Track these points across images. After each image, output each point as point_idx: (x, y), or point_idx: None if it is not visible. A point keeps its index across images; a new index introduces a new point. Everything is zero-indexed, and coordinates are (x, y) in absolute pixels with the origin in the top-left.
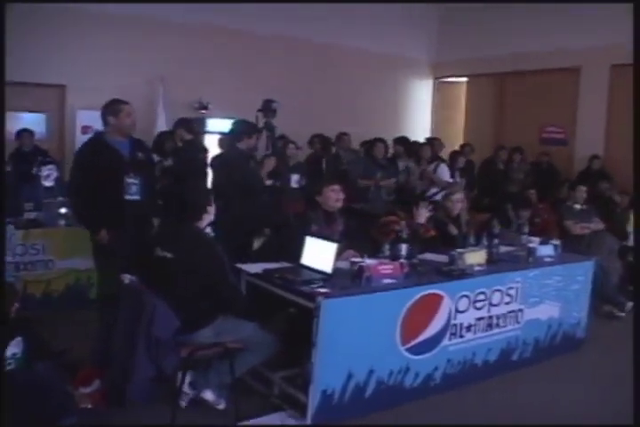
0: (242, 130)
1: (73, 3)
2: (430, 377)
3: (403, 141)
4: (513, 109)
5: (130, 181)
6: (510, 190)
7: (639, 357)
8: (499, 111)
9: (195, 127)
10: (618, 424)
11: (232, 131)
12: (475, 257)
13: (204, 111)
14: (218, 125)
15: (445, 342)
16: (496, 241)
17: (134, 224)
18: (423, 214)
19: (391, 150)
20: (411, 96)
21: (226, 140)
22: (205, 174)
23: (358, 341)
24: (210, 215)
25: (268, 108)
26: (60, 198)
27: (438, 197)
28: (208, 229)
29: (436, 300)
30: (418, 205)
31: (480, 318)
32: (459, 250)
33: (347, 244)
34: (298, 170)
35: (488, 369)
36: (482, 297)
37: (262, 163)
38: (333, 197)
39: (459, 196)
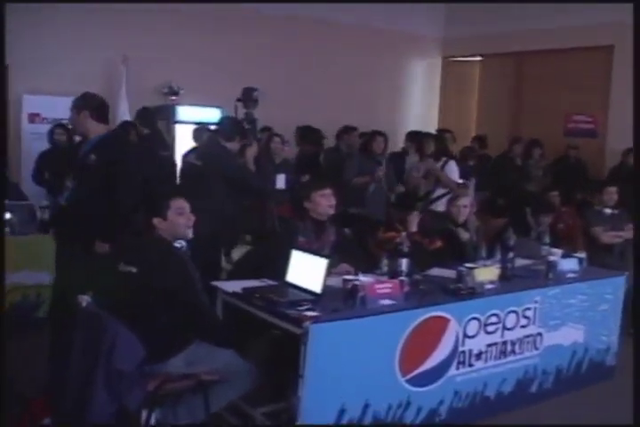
0: (235, 130)
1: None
2: (435, 412)
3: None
4: (533, 95)
5: (67, 184)
6: (528, 190)
7: (639, 357)
8: (516, 97)
9: (152, 119)
10: (618, 424)
11: (222, 127)
12: (486, 273)
13: (174, 97)
14: (190, 114)
15: (452, 371)
16: (511, 254)
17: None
18: (412, 222)
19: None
20: (415, 79)
21: (211, 136)
22: (168, 176)
23: (352, 371)
24: (165, 229)
25: (248, 97)
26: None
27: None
28: (181, 244)
29: (442, 323)
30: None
31: (492, 344)
32: (467, 265)
33: (340, 256)
34: (285, 168)
35: (502, 402)
36: (494, 320)
37: (243, 151)
38: (324, 203)
39: (465, 200)
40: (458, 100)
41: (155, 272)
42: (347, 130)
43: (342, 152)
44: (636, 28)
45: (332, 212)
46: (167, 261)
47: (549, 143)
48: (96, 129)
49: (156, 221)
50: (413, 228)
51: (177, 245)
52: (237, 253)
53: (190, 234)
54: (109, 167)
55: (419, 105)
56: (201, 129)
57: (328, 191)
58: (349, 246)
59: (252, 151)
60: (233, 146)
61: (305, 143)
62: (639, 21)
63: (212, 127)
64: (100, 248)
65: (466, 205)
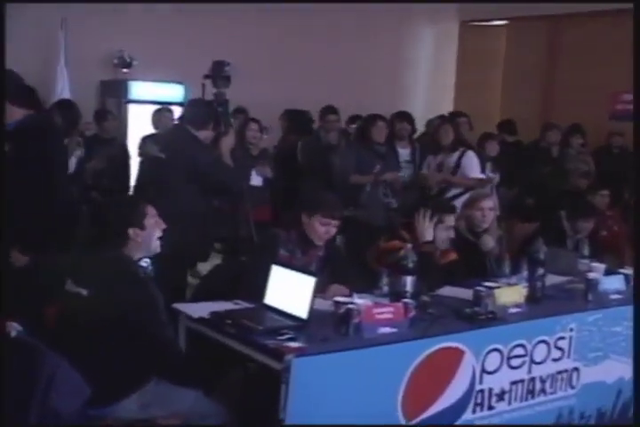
0: (208, 115)
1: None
2: None
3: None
4: (570, 69)
5: None
6: (565, 188)
7: (639, 356)
8: (550, 72)
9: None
10: (618, 424)
11: (191, 112)
12: (510, 294)
13: (126, 71)
14: (146, 91)
15: (468, 415)
16: (541, 270)
17: None
18: (427, 228)
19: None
20: (424, 50)
21: (178, 123)
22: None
23: (344, 415)
24: (142, 242)
25: (218, 73)
26: None
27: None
28: (147, 262)
29: (455, 356)
30: (419, 215)
31: (517, 382)
32: (487, 284)
33: (329, 273)
34: (262, 161)
35: None
36: (520, 352)
37: (217, 142)
38: (321, 232)
39: (489, 202)
40: (478, 76)
41: (110, 296)
42: (324, 113)
43: (321, 141)
44: (636, 28)
45: (321, 242)
46: (127, 283)
47: (590, 129)
48: (14, 115)
49: (132, 232)
50: (429, 236)
51: (142, 263)
52: (205, 265)
53: (159, 247)
54: (27, 162)
55: (428, 82)
56: (162, 111)
57: (334, 223)
58: (341, 261)
59: (228, 142)
60: (205, 135)
61: (293, 131)
62: (639, 21)
63: (176, 111)
64: (18, 260)
65: (491, 208)
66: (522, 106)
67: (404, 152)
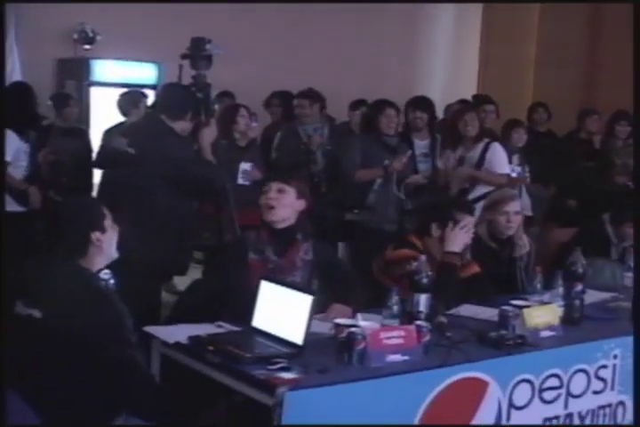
0: (185, 103)
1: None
2: None
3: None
4: (615, 46)
5: None
6: (609, 187)
7: (639, 356)
8: (591, 48)
9: None
10: (618, 424)
11: (166, 99)
12: (542, 314)
13: (88, 47)
14: (112, 72)
15: None
16: (580, 286)
17: None
18: (457, 237)
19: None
20: (441, 24)
21: (151, 112)
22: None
23: None
24: (104, 247)
25: (198, 51)
26: None
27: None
28: (108, 275)
29: (477, 388)
30: (448, 219)
31: (551, 418)
32: (515, 302)
33: (320, 281)
34: (250, 154)
35: None
36: (554, 383)
37: (196, 134)
38: (262, 202)
39: (516, 205)
40: (506, 54)
41: (67, 318)
42: (300, 98)
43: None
44: (636, 28)
45: (270, 217)
46: (87, 300)
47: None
48: None
49: (94, 236)
50: (456, 246)
51: (104, 276)
52: (184, 280)
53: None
54: None
55: (445, 62)
56: (133, 95)
57: (272, 185)
58: (335, 271)
59: (209, 134)
60: (182, 127)
61: (286, 119)
62: (639, 21)
63: (149, 95)
64: None
65: (518, 212)
66: (558, 89)
67: (420, 144)
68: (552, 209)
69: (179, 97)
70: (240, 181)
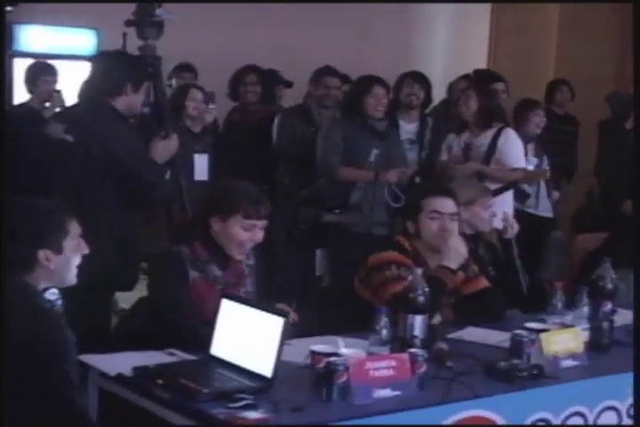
0: (119, 74)
1: None
2: None
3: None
4: None
5: None
6: None
7: (639, 356)
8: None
9: None
10: (618, 425)
11: (99, 73)
12: (563, 340)
13: (10, 9)
14: (42, 40)
15: None
16: (609, 305)
17: None
18: (453, 248)
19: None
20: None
21: (85, 87)
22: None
23: None
24: (55, 270)
25: (146, 18)
26: None
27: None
28: (55, 295)
29: None
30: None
31: None
32: (531, 325)
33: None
34: (205, 142)
35: None
36: (578, 423)
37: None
38: (245, 237)
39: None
40: (523, 19)
41: (5, 337)
42: (321, 74)
43: (315, 120)
44: (635, 28)
45: (241, 256)
46: (29, 320)
47: None
48: None
49: (42, 255)
50: (451, 260)
51: (50, 296)
52: (129, 296)
53: (75, 278)
54: None
55: (447, 30)
56: (34, 69)
57: (260, 224)
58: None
59: (164, 149)
60: (126, 102)
61: (265, 100)
62: (639, 21)
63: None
64: None
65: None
66: (586, 61)
67: (407, 127)
68: (587, 212)
69: (110, 68)
70: (197, 176)
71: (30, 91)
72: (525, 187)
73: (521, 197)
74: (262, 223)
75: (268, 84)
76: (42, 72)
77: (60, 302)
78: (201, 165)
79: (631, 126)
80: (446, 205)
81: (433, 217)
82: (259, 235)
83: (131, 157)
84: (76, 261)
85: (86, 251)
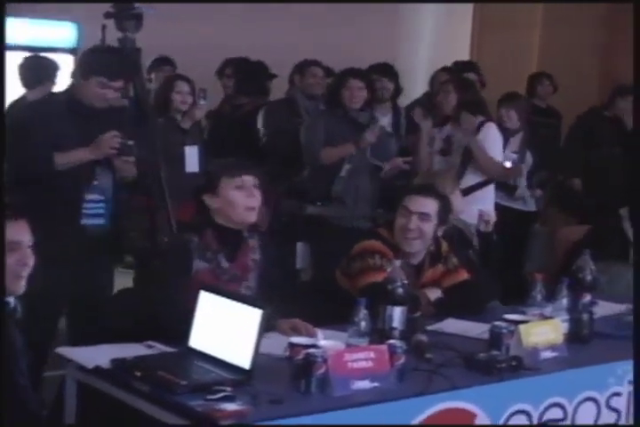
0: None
1: None
2: None
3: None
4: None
5: None
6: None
7: (639, 356)
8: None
9: None
10: (618, 425)
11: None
12: (543, 331)
13: None
14: (21, 33)
15: None
16: (588, 298)
17: None
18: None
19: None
20: None
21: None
22: None
23: None
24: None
25: (125, 10)
26: None
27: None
28: (11, 302)
29: (463, 421)
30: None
31: None
32: (510, 317)
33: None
34: (198, 138)
35: None
36: (556, 414)
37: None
38: (240, 201)
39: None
40: (505, 10)
41: None
42: (305, 65)
43: (299, 110)
44: (635, 28)
45: (252, 218)
46: None
47: None
48: None
49: None
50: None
51: (9, 300)
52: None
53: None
54: None
55: (431, 22)
56: (42, 62)
57: (248, 180)
58: (274, 274)
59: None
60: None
61: (245, 92)
62: (639, 21)
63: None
64: None
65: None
66: (570, 53)
67: (382, 120)
68: (555, 202)
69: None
70: (188, 168)
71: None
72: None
73: (507, 190)
74: (252, 179)
75: (253, 76)
76: (48, 64)
77: (18, 309)
78: (191, 157)
79: (611, 114)
80: (418, 204)
81: (401, 213)
82: (255, 193)
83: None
84: (24, 272)
85: (30, 263)
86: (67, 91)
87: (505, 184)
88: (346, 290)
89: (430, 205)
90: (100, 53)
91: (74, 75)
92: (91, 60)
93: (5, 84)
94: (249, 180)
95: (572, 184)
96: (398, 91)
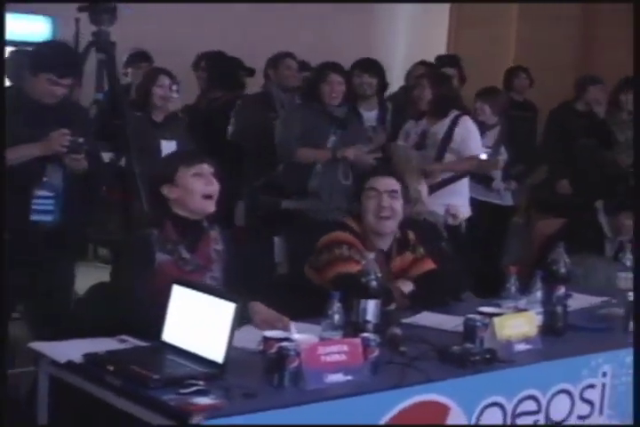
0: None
1: None
2: None
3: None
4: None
5: None
6: (610, 170)
7: (639, 356)
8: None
9: None
10: (618, 425)
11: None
12: (517, 324)
13: None
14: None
15: None
16: (562, 290)
17: None
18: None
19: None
20: None
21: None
22: None
23: None
24: None
25: (98, 3)
26: None
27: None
28: None
29: (437, 414)
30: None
31: None
32: (484, 309)
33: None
34: (171, 131)
35: None
36: (530, 407)
37: None
38: (199, 189)
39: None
40: (481, 5)
41: None
42: (280, 58)
43: (274, 102)
44: (635, 28)
45: (210, 208)
46: None
47: None
48: None
49: None
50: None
51: None
52: (81, 281)
53: None
54: None
55: (408, 17)
56: (20, 56)
57: (206, 168)
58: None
59: None
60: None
61: (219, 87)
62: (639, 21)
63: None
64: None
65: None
66: (546, 48)
67: (369, 116)
68: (540, 196)
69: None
70: None
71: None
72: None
73: (483, 181)
74: (208, 167)
75: (226, 70)
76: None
77: None
78: (168, 152)
79: (583, 108)
80: (384, 183)
81: (370, 195)
82: (213, 181)
83: None
84: None
85: None
86: (16, 86)
87: (481, 175)
88: (316, 284)
89: (395, 184)
90: (49, 49)
91: (23, 70)
92: (40, 57)
93: (5, 83)
94: (206, 167)
95: (560, 186)
96: (383, 86)
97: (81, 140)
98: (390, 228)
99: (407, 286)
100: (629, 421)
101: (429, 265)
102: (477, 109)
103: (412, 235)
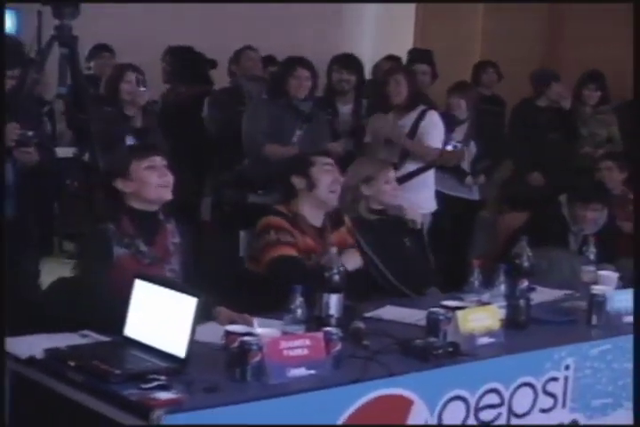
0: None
1: None
2: None
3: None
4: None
5: None
6: (576, 163)
7: (639, 356)
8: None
9: None
10: (618, 424)
11: None
12: (480, 317)
13: None
14: None
15: None
16: (525, 284)
17: None
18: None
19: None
20: None
21: None
22: None
23: None
24: None
25: None
26: None
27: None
28: None
29: (399, 407)
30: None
31: None
32: (447, 303)
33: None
34: (146, 125)
35: None
36: (493, 400)
37: None
38: (154, 180)
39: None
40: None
41: None
42: (242, 51)
43: (243, 93)
44: (636, 28)
45: (167, 195)
46: None
47: (613, 77)
48: None
49: None
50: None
51: None
52: (46, 277)
53: None
54: None
55: (375, 11)
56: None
57: (158, 160)
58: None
59: None
60: None
61: (182, 81)
62: (639, 21)
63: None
64: None
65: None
66: (512, 42)
67: (343, 110)
68: (509, 190)
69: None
70: None
71: None
72: (464, 166)
73: (458, 175)
74: (161, 160)
75: (188, 64)
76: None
77: None
78: None
79: (545, 104)
80: (328, 161)
81: (324, 170)
82: (167, 173)
83: None
84: None
85: None
86: None
87: (456, 170)
88: (259, 274)
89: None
90: None
91: None
92: None
93: (5, 81)
94: (159, 160)
95: (532, 179)
96: (361, 82)
97: (30, 133)
98: (337, 202)
99: (354, 262)
100: (591, 414)
101: None
102: (452, 104)
103: (347, 221)
